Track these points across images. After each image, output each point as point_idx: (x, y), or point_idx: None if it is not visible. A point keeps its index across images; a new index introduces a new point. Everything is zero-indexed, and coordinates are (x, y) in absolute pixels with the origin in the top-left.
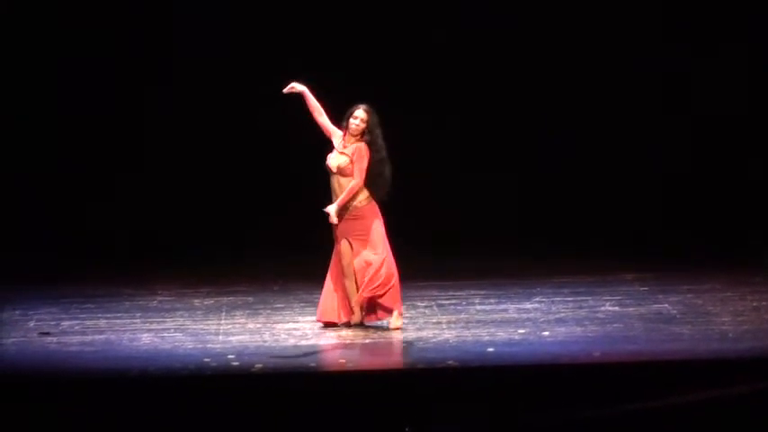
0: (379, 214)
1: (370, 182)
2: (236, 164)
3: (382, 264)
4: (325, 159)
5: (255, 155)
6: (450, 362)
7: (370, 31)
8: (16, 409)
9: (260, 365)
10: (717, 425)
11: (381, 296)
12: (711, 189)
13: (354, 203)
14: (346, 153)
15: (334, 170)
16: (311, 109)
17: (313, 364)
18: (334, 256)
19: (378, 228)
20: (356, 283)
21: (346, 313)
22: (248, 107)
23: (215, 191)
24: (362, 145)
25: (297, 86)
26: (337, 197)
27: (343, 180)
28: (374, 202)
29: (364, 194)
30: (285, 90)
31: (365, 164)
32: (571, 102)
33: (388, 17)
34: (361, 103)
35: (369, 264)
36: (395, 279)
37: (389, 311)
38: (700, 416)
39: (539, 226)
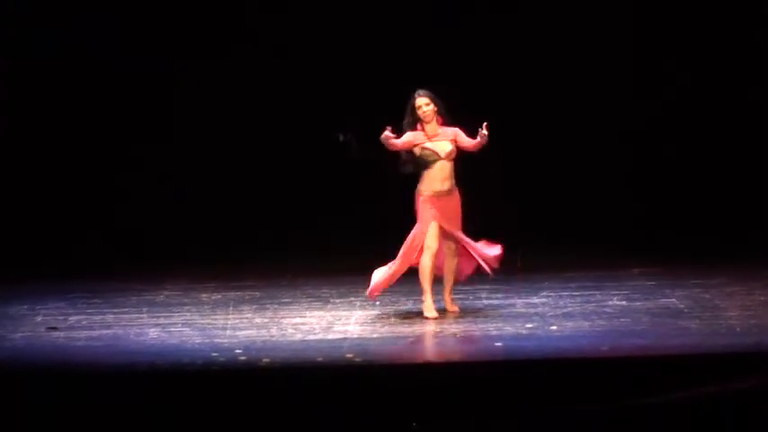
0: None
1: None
2: (246, 159)
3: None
4: (418, 148)
5: (266, 151)
6: (457, 356)
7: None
8: (24, 404)
9: (267, 360)
10: (725, 419)
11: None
12: (719, 182)
13: (453, 184)
14: (447, 138)
15: (443, 155)
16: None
17: (320, 359)
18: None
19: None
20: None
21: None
22: (264, 105)
23: (223, 186)
24: (455, 128)
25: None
26: (446, 181)
27: (448, 164)
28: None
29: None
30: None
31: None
32: (577, 92)
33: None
34: (416, 92)
35: (460, 242)
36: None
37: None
38: (707, 410)
39: (545, 219)
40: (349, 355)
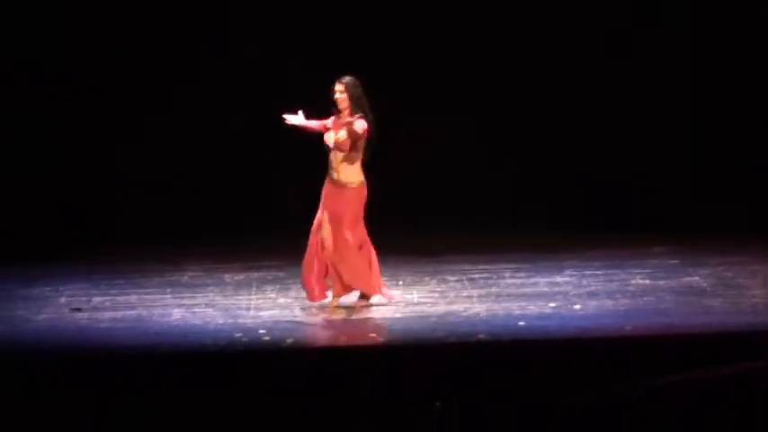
0: (364, 201)
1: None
2: (266, 140)
3: (346, 244)
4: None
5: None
6: (481, 336)
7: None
8: (48, 385)
9: (291, 340)
10: (749, 397)
11: (342, 273)
12: (738, 161)
13: (348, 181)
14: (343, 126)
15: (331, 145)
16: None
17: (344, 339)
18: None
19: (357, 212)
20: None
21: (322, 291)
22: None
23: (243, 166)
24: (362, 120)
25: (291, 119)
26: (336, 171)
27: (339, 155)
28: (365, 188)
29: (360, 177)
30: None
31: (360, 132)
32: (598, 74)
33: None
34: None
35: (338, 241)
36: (359, 260)
37: (346, 289)
38: (732, 388)
39: (569, 199)
40: (372, 335)
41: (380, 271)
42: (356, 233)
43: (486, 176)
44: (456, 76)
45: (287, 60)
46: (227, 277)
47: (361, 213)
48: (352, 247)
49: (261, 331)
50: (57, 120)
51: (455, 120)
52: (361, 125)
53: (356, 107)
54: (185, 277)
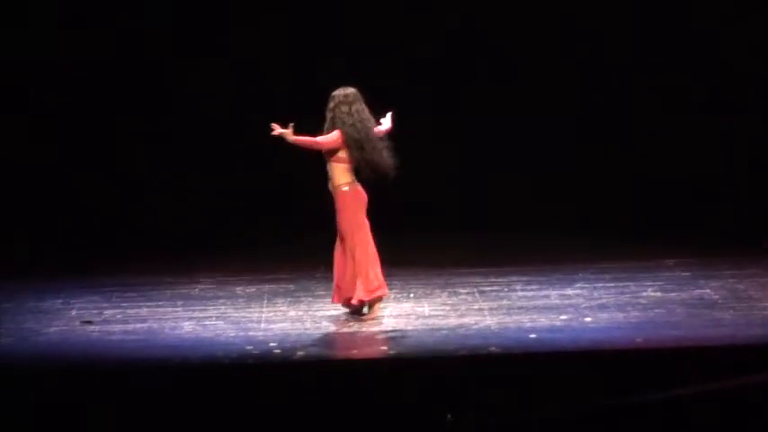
0: (357, 204)
1: (361, 164)
2: (275, 151)
3: (349, 254)
4: None
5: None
6: (492, 348)
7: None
8: (59, 398)
9: (302, 353)
10: (760, 410)
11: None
12: (753, 171)
13: (337, 185)
14: None
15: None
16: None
17: (355, 351)
18: None
19: (350, 218)
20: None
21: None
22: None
23: (255, 177)
24: (335, 132)
25: (279, 131)
26: (331, 182)
27: (327, 164)
28: (357, 190)
29: (347, 179)
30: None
31: (329, 139)
32: (616, 84)
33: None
34: None
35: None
36: (362, 269)
37: (358, 301)
38: (743, 401)
39: (580, 211)
40: (383, 348)
41: (386, 283)
42: (363, 239)
43: (498, 188)
44: (470, 88)
45: (298, 63)
46: (239, 290)
47: (362, 216)
48: (363, 256)
49: (272, 344)
50: (64, 127)
51: (463, 132)
52: (328, 137)
53: (334, 121)
54: (196, 290)
